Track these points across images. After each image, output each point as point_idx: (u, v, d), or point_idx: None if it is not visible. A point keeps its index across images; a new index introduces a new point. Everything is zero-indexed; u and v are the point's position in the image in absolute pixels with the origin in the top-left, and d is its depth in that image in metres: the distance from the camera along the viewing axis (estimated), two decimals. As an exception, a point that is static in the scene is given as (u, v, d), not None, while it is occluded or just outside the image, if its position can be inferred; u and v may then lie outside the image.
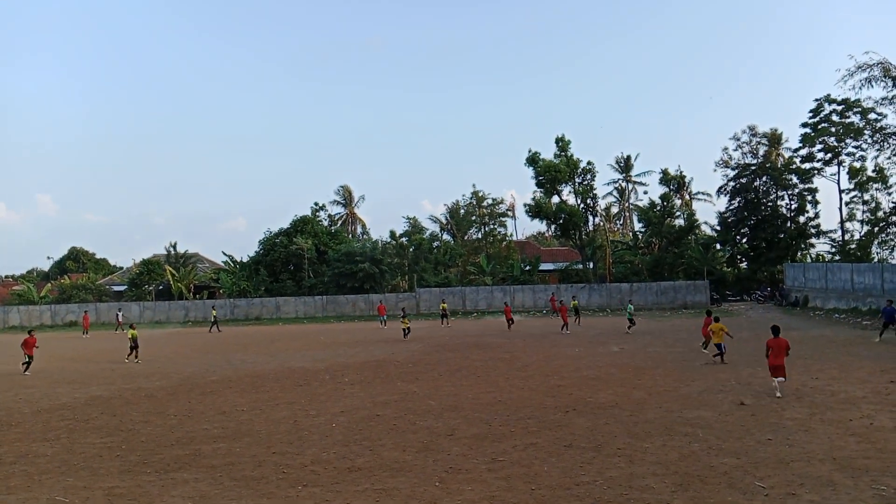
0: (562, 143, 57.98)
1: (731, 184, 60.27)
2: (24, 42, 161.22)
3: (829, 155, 54.64)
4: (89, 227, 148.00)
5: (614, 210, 75.30)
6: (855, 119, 52.69)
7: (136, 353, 26.80)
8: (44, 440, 13.35)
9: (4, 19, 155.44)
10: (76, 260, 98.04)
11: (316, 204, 72.13)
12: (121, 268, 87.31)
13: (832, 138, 53.88)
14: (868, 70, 40.52)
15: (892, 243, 51.41)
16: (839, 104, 52.58)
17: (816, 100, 54.13)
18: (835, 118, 53.46)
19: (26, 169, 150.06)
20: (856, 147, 53.58)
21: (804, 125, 55.06)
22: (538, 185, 57.91)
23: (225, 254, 67.43)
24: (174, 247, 69.80)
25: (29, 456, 12.09)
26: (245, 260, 64.54)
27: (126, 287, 67.08)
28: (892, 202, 53.57)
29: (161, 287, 64.64)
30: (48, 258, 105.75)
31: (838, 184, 55.17)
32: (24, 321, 56.44)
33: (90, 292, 65.28)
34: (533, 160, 57.24)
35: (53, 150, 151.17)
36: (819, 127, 53.93)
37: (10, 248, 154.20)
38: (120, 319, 49.49)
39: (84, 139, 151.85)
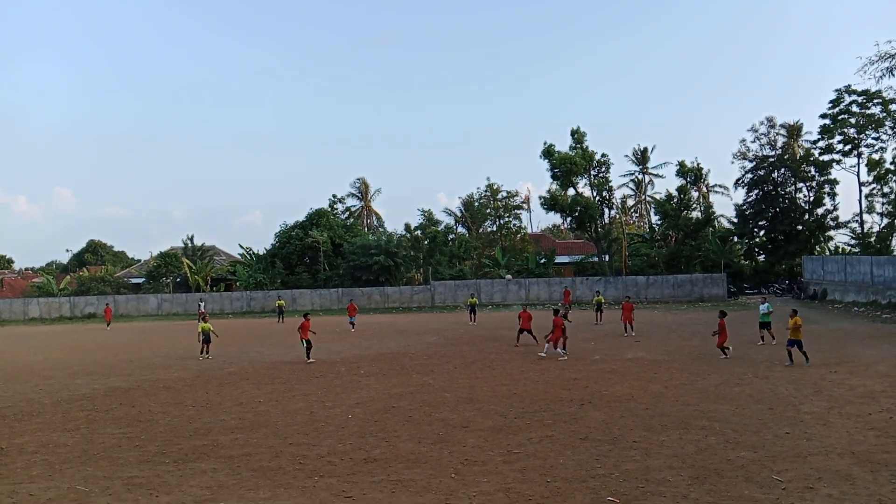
0: (577, 136, 57.65)
1: (749, 176, 59.70)
2: (44, 39, 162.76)
3: (849, 146, 53.96)
4: (108, 220, 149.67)
5: (630, 202, 74.85)
6: (876, 110, 51.98)
7: (207, 349, 24.90)
8: (64, 430, 13.52)
9: (25, 16, 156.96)
10: (95, 252, 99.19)
11: (334, 196, 72.45)
12: (139, 260, 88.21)
13: (852, 129, 53.19)
14: (890, 59, 39.87)
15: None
16: (860, 95, 51.87)
17: (836, 90, 53.47)
18: (855, 109, 52.75)
19: (46, 163, 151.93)
20: (875, 138, 52.92)
21: (823, 116, 54.42)
22: (553, 177, 57.63)
23: (242, 247, 67.92)
24: (191, 240, 70.32)
25: (50, 445, 12.25)
26: (261, 253, 64.93)
27: (144, 279, 67.73)
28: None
29: (178, 280, 65.17)
30: (67, 251, 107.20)
31: (858, 176, 54.55)
32: (44, 313, 57.21)
33: (108, 284, 65.98)
34: (548, 152, 56.95)
35: (73, 145, 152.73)
36: (839, 118, 53.24)
37: (30, 241, 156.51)
38: (202, 309, 47.65)
39: (103, 134, 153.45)
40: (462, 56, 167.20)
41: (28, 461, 11.20)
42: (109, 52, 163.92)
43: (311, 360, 22.77)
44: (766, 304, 24.82)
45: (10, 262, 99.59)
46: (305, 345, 22.94)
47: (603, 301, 36.64)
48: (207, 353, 24.91)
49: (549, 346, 21.76)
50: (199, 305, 49.70)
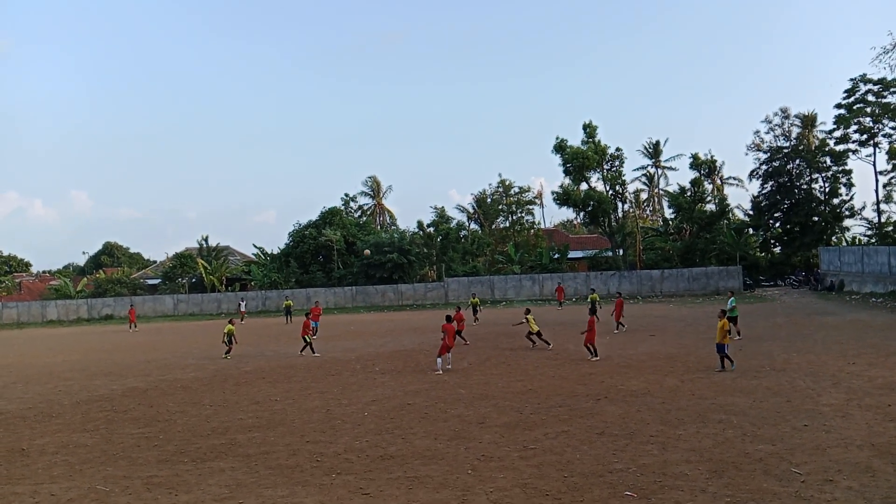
0: (589, 130, 57.43)
1: (764, 167, 59.24)
2: (55, 41, 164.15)
3: (865, 136, 53.35)
4: (123, 221, 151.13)
5: (644, 196, 74.52)
6: (892, 99, 51.33)
7: (229, 350, 24.83)
8: (84, 431, 13.65)
9: (35, 18, 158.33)
10: (111, 254, 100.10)
11: (347, 195, 72.69)
12: (154, 261, 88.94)
13: (868, 119, 52.57)
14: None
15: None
16: (875, 84, 51.25)
17: (852, 79, 52.82)
18: (871, 98, 52.12)
19: (60, 166, 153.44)
20: (893, 128, 52.27)
21: (838, 106, 53.78)
22: (566, 172, 57.45)
23: (256, 246, 68.38)
24: (206, 240, 70.74)
25: (70, 446, 12.37)
26: (275, 252, 65.20)
27: (160, 280, 68.26)
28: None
29: (194, 280, 65.60)
30: (83, 253, 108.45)
31: (874, 165, 53.94)
32: (62, 315, 57.74)
33: (125, 286, 66.52)
34: (560, 147, 56.79)
35: (86, 147, 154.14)
36: (854, 107, 52.63)
37: (46, 244, 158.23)
38: (243, 309, 47.15)
39: (116, 136, 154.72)
40: (471, 52, 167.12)
41: (49, 462, 11.32)
42: (119, 54, 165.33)
43: (302, 354, 24.15)
44: (732, 299, 24.79)
45: (27, 265, 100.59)
46: (305, 341, 24.41)
47: (598, 300, 33.06)
48: (227, 354, 24.78)
49: (440, 360, 19.25)
50: (240, 305, 48.50)
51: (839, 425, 11.21)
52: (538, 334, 23.23)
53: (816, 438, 10.48)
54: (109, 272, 75.61)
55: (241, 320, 43.56)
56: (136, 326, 44.41)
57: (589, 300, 33.47)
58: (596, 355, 19.96)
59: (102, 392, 18.54)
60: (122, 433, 13.25)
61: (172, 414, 15.00)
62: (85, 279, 72.84)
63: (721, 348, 17.14)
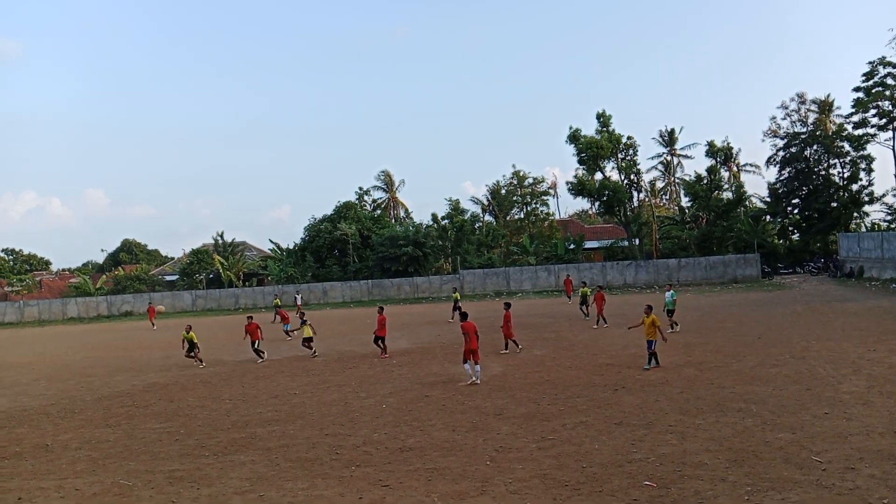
0: (603, 119, 57.06)
1: (781, 154, 58.60)
2: (71, 40, 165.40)
3: (885, 120, 52.54)
4: (140, 219, 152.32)
5: (659, 185, 73.98)
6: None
7: (194, 356, 21.94)
8: (106, 426, 13.82)
9: (48, 17, 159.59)
10: (129, 251, 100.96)
11: (360, 189, 72.85)
12: (172, 258, 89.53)
13: (887, 102, 51.75)
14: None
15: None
16: (895, 66, 50.42)
17: (870, 62, 52.01)
18: (890, 81, 51.28)
19: (77, 165, 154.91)
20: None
21: (857, 89, 52.98)
22: (580, 162, 57.18)
23: (272, 241, 68.60)
24: (221, 236, 71.18)
25: (92, 441, 12.53)
26: (291, 247, 65.48)
27: (178, 276, 68.81)
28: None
29: (211, 276, 66.05)
30: (102, 250, 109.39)
31: (893, 149, 53.16)
32: (82, 313, 58.32)
33: (144, 283, 67.12)
34: (574, 137, 56.49)
35: (102, 146, 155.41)
36: (873, 91, 51.81)
37: (65, 243, 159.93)
38: (299, 303, 45.61)
39: (131, 134, 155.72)
40: (482, 43, 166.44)
41: (72, 457, 11.47)
42: (132, 52, 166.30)
43: (262, 360, 22.46)
44: (671, 293, 24.73)
45: (47, 263, 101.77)
46: (257, 345, 22.69)
47: (589, 293, 30.34)
48: (196, 359, 22.12)
49: (467, 366, 15.95)
50: (296, 298, 47.19)
51: (860, 413, 11.12)
52: (308, 340, 22.89)
53: (837, 426, 10.40)
54: (128, 269, 76.30)
55: (297, 314, 42.58)
56: (154, 325, 43.87)
57: (580, 294, 31.10)
58: (518, 346, 20.59)
59: (123, 388, 18.75)
60: (143, 428, 13.40)
61: (193, 408, 15.14)
62: (104, 276, 73.55)
63: (649, 344, 16.54)
